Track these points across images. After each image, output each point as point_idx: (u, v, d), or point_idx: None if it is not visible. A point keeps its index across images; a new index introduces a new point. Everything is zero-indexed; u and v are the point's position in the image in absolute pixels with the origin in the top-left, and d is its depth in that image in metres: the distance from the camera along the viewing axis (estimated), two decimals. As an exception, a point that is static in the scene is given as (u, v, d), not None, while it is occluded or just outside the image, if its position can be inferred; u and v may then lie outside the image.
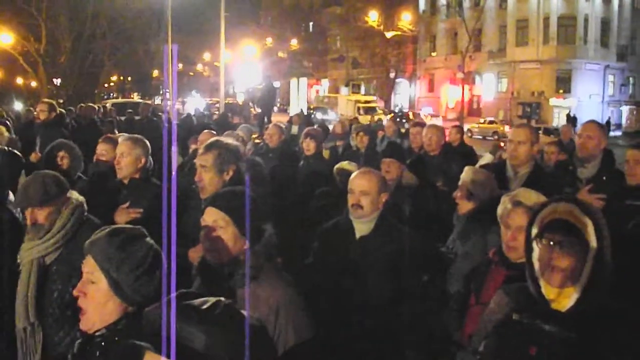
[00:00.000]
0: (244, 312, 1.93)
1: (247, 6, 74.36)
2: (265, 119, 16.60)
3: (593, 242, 2.23)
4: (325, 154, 10.39)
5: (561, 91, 53.80)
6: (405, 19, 59.65)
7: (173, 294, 1.99)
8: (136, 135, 5.07)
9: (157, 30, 49.30)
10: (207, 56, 79.48)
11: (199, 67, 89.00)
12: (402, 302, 3.79)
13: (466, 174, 4.43)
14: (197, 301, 1.85)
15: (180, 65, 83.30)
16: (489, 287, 3.22)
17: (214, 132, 7.30)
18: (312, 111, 46.98)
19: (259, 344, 1.87)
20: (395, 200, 5.29)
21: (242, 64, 48.43)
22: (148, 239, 2.43)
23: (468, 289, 3.47)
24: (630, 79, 58.88)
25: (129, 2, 44.04)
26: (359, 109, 48.25)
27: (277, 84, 69.37)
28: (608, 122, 48.03)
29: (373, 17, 58.82)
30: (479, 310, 3.09)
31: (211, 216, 2.83)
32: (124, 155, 4.75)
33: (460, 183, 4.41)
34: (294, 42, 68.44)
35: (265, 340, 1.98)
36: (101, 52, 46.98)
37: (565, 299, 2.26)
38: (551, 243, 2.26)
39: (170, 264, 2.32)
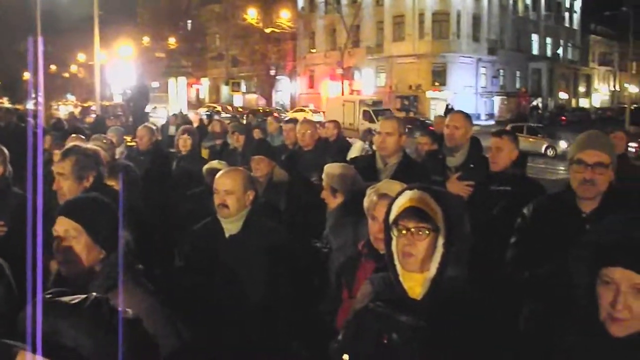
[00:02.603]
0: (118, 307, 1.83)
1: (123, 4, 72.13)
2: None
3: (442, 228, 2.25)
4: (204, 153, 10.23)
5: (437, 84, 55.83)
6: (284, 16, 59.82)
7: (43, 293, 1.83)
8: None
9: (27, 30, 46.88)
10: (81, 57, 76.48)
11: (74, 68, 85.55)
12: (278, 298, 3.75)
13: (325, 171, 4.49)
14: (65, 297, 1.74)
15: (54, 67, 79.82)
16: (360, 280, 3.21)
17: (83, 137, 6.97)
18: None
19: (134, 338, 1.77)
20: (268, 198, 5.26)
21: (119, 65, 46.77)
22: None
23: (340, 282, 3.47)
24: (501, 71, 61.95)
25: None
26: (365, 112, 37.63)
27: (155, 84, 67.89)
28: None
29: (252, 14, 58.54)
30: (351, 304, 3.09)
31: (62, 226, 2.65)
32: None
33: (323, 182, 4.45)
34: (172, 41, 67.00)
35: (142, 334, 1.86)
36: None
37: (418, 287, 2.26)
38: (404, 231, 2.28)
39: (36, 275, 2.16)
